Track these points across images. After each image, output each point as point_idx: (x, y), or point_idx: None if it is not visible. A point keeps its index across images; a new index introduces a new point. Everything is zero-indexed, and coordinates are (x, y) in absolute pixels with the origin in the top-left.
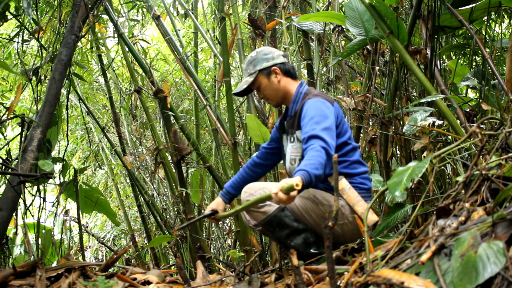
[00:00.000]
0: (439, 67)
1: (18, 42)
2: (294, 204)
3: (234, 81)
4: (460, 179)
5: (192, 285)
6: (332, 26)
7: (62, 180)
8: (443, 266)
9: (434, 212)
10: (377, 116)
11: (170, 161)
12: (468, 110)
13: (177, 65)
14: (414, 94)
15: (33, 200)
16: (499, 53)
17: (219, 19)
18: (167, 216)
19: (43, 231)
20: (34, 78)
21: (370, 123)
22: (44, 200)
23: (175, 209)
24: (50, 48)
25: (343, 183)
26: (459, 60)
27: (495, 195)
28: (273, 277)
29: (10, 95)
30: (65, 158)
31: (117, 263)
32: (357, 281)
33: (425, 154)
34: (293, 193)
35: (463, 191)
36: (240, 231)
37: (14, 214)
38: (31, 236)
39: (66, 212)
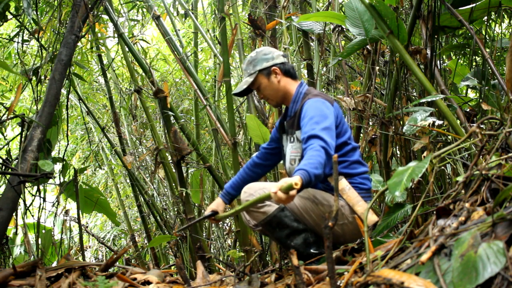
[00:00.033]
0: (439, 67)
1: (18, 42)
2: (294, 204)
3: (234, 81)
4: (460, 179)
5: (192, 285)
6: (332, 26)
7: (62, 180)
8: (443, 266)
9: (434, 212)
10: (377, 116)
11: (170, 161)
12: (468, 110)
13: (177, 65)
14: (414, 94)
15: (33, 200)
16: (499, 53)
17: (219, 19)
18: (167, 216)
19: (43, 231)
20: (34, 78)
21: (370, 123)
22: (44, 200)
23: (175, 209)
24: (50, 48)
25: (343, 183)
26: (459, 60)
27: (495, 195)
28: (273, 277)
29: (10, 95)
30: (65, 158)
31: (117, 263)
32: (357, 281)
33: (425, 154)
34: (292, 192)
35: (463, 191)
36: (240, 231)
37: (14, 214)
38: (31, 236)
39: (66, 212)
